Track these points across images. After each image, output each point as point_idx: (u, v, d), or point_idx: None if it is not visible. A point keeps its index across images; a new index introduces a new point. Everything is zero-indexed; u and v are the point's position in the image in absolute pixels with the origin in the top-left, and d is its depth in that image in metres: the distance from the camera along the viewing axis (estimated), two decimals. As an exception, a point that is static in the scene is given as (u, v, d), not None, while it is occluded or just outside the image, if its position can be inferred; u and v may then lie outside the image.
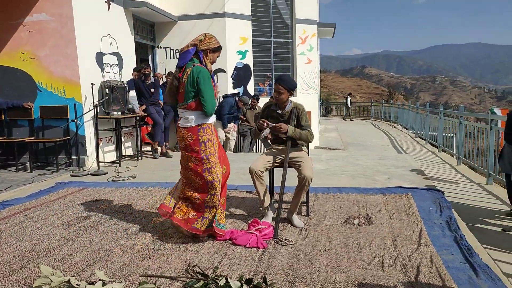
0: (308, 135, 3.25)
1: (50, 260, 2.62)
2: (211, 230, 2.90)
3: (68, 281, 2.11)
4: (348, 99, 22.05)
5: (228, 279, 2.04)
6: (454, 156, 7.77)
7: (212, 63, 2.95)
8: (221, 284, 1.98)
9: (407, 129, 15.20)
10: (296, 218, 3.27)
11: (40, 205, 3.99)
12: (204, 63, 2.87)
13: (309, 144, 3.54)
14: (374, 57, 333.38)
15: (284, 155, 3.30)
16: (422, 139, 11.64)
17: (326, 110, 28.07)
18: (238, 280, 2.05)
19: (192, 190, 2.88)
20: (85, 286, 2.05)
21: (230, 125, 7.79)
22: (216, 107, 2.88)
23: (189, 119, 2.82)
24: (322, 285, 2.23)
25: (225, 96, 7.75)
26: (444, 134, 9.15)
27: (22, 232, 3.19)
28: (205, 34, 2.93)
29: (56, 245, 2.89)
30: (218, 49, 2.93)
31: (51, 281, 2.12)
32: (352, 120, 21.38)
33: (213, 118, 2.89)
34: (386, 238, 2.91)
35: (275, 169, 3.53)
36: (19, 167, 5.71)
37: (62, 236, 3.08)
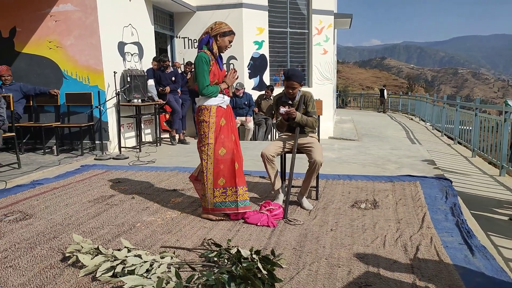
0: (313, 121, 3.48)
1: (79, 232, 2.89)
2: (220, 209, 3.08)
3: (97, 248, 2.35)
4: (384, 91, 21.97)
5: (239, 248, 2.25)
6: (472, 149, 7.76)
7: (225, 47, 3.09)
8: (233, 253, 2.19)
9: (424, 121, 15.11)
10: (305, 201, 3.45)
11: (68, 184, 4.28)
12: (211, 47, 3.05)
13: (320, 132, 3.72)
14: (394, 48, 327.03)
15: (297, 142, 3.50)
16: (439, 131, 11.61)
17: (343, 102, 28.02)
18: (248, 250, 2.25)
19: (200, 167, 3.22)
20: (112, 252, 2.29)
21: (242, 118, 8.04)
22: (206, 89, 3.00)
23: (197, 101, 3.16)
24: (326, 259, 2.42)
25: None
26: (463, 127, 9.10)
27: (53, 207, 3.48)
28: (215, 22, 3.12)
29: (84, 220, 3.17)
30: (228, 33, 3.06)
31: (82, 247, 2.37)
32: (385, 112, 21.28)
33: (214, 101, 3.05)
34: (390, 221, 3.07)
35: (286, 155, 3.72)
36: (46, 150, 6.05)
37: (89, 212, 3.35)
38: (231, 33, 3.09)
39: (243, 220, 3.09)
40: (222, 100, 3.10)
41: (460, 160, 7.17)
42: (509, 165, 5.52)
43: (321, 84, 9.61)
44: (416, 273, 2.23)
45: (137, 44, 7.02)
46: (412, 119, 17.32)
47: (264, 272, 2.07)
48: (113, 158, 5.69)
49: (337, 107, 24.06)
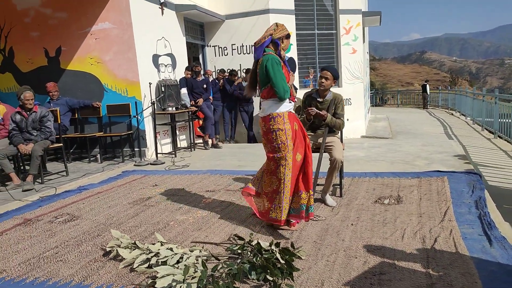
0: (341, 123, 3.60)
1: (119, 230, 3.18)
2: (297, 216, 2.95)
3: (134, 243, 2.62)
4: (427, 86, 21.31)
5: (259, 241, 2.43)
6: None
7: (285, 49, 3.02)
8: (254, 244, 2.38)
9: (465, 116, 14.57)
10: (329, 198, 3.58)
11: (110, 189, 4.66)
12: (279, 50, 2.93)
13: (350, 132, 3.81)
14: (434, 41, 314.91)
15: (318, 141, 3.63)
16: (480, 126, 11.18)
17: (381, 100, 27.40)
18: (268, 243, 2.43)
19: (267, 177, 3.00)
20: (147, 246, 2.55)
21: None
22: (287, 92, 2.85)
23: (263, 108, 2.96)
24: (344, 251, 2.54)
25: None
26: (503, 120, 8.72)
27: (97, 209, 3.83)
28: (276, 23, 3.00)
29: (124, 220, 3.48)
30: (289, 36, 3.00)
31: (121, 242, 2.65)
32: (424, 108, 20.65)
33: (285, 107, 2.91)
34: (412, 215, 3.13)
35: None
36: (91, 158, 6.54)
37: (129, 213, 3.66)
38: (290, 36, 3.03)
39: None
40: (290, 106, 2.97)
41: (498, 154, 6.93)
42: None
43: (351, 84, 9.58)
44: (430, 262, 2.31)
45: (170, 55, 7.40)
46: (452, 114, 16.72)
47: (282, 262, 2.24)
48: (151, 164, 6.06)
49: (374, 105, 23.57)
